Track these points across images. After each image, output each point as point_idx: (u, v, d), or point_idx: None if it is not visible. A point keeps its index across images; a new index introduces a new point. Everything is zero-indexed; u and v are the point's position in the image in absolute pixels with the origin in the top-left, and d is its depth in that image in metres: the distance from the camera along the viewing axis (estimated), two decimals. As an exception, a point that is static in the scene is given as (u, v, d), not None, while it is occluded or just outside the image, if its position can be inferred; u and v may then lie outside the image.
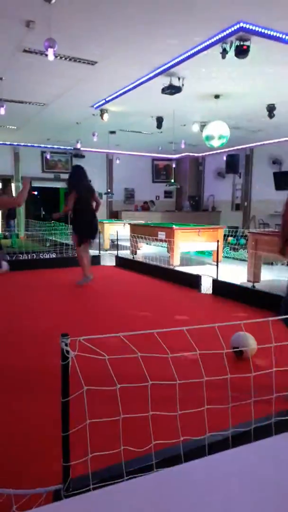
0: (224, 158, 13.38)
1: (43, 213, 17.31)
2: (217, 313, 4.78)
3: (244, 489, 1.24)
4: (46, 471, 1.82)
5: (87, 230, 5.90)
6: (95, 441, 1.62)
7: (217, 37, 4.94)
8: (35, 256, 7.99)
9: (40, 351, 3.37)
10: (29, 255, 7.90)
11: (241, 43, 4.97)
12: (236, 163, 13.17)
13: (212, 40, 5.02)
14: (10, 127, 10.46)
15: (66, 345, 1.48)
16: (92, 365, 1.65)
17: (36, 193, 16.08)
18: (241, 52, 5.01)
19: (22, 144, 13.24)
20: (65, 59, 5.67)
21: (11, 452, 2.02)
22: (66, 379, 1.50)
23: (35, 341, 3.65)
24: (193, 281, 5.92)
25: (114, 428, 1.66)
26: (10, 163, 13.50)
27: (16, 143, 13.17)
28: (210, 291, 5.64)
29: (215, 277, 5.75)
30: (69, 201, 5.81)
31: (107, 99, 7.82)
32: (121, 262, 7.92)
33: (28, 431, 2.21)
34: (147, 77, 6.44)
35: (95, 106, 8.33)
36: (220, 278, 5.72)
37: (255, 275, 6.01)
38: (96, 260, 8.15)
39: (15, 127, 10.53)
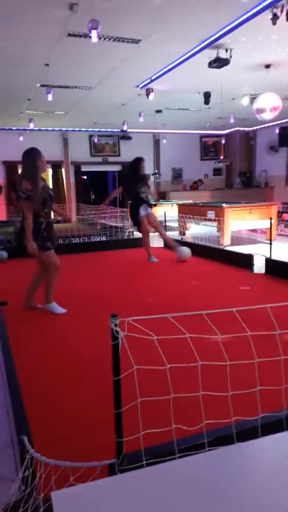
0: (277, 131, 12.76)
1: (93, 197, 17.60)
2: (270, 293, 4.65)
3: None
4: (100, 445, 1.89)
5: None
6: (147, 420, 1.65)
7: (267, 2, 4.65)
8: (86, 240, 8.18)
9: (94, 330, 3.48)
10: (81, 239, 8.10)
11: (293, 5, 4.64)
12: (289, 136, 12.51)
13: (261, 5, 4.73)
14: (58, 112, 10.64)
15: (115, 325, 1.50)
16: (139, 344, 1.67)
17: (85, 177, 16.36)
18: (293, 15, 4.69)
19: (70, 129, 13.44)
20: (109, 39, 5.62)
21: (68, 426, 2.12)
22: (117, 358, 1.53)
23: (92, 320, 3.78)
24: (245, 261, 5.77)
25: (165, 407, 1.68)
26: (60, 148, 13.79)
27: (64, 129, 13.39)
28: (263, 270, 5.48)
29: (269, 256, 5.56)
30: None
31: (152, 78, 7.69)
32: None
33: (84, 407, 2.31)
34: (193, 51, 6.23)
35: (140, 86, 8.23)
36: (274, 257, 5.53)
37: (311, 253, 5.74)
38: (145, 241, 8.19)
39: (63, 113, 10.70)
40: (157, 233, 7.05)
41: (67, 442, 1.99)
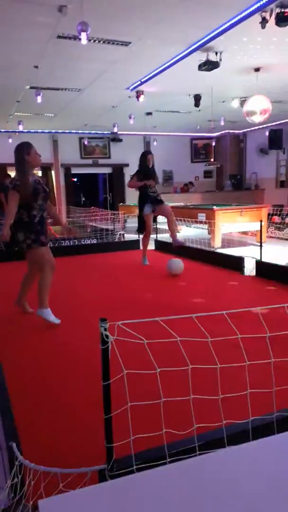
0: (267, 133, 12.87)
1: (83, 199, 17.54)
2: (260, 296, 4.66)
3: (289, 475, 1.20)
4: (90, 451, 1.87)
5: None
6: (137, 424, 1.63)
7: (256, 6, 4.68)
8: (76, 242, 8.15)
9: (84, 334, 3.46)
10: (71, 242, 8.05)
11: (282, 10, 4.67)
12: (279, 138, 12.63)
13: (250, 9, 4.76)
14: (48, 114, 10.59)
15: (105, 329, 1.49)
16: (129, 349, 1.66)
17: (75, 179, 16.30)
18: (282, 19, 4.72)
19: (60, 131, 13.38)
20: (99, 41, 5.61)
21: (58, 432, 2.10)
22: (107, 362, 1.51)
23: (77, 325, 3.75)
24: (236, 263, 5.79)
25: (155, 412, 1.67)
26: (50, 151, 13.71)
27: (54, 131, 13.32)
28: (253, 273, 5.50)
29: (259, 258, 5.59)
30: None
31: (142, 80, 7.69)
32: (161, 246, 7.89)
33: (73, 412, 2.28)
34: (183, 54, 6.25)
35: (130, 88, 8.23)
36: (264, 260, 5.56)
37: (300, 255, 5.79)
38: (136, 244, 8.19)
39: (53, 114, 10.65)
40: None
41: (56, 448, 1.97)
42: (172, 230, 6.52)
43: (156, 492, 1.20)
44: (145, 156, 6.32)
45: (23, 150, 3.67)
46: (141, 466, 1.50)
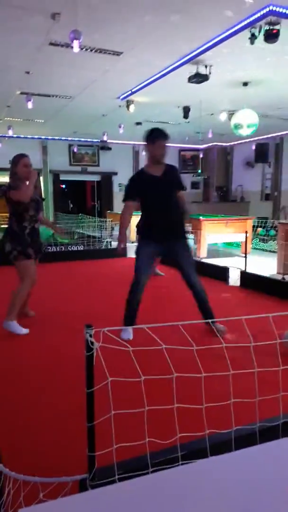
0: (253, 147, 13.08)
1: (71, 206, 17.49)
2: (245, 306, 4.70)
3: (272, 486, 1.20)
4: (72, 460, 1.84)
5: None
6: (120, 433, 1.62)
7: (246, 22, 4.79)
8: (63, 249, 8.10)
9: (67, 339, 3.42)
10: (58, 248, 8.00)
11: (271, 27, 4.79)
12: (265, 152, 12.85)
13: (240, 25, 4.87)
14: (38, 120, 10.58)
15: (90, 336, 1.48)
16: (115, 356, 1.65)
17: (64, 186, 16.26)
18: (271, 36, 4.84)
19: (50, 137, 13.37)
20: (91, 50, 5.65)
21: (39, 440, 2.06)
22: (91, 370, 1.50)
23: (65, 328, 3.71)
24: (221, 273, 5.83)
25: (139, 420, 1.65)
26: (39, 156, 13.68)
27: (43, 137, 13.31)
28: (238, 283, 5.54)
29: (244, 269, 5.64)
30: None
31: (133, 90, 7.77)
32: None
33: (55, 420, 2.25)
34: (173, 66, 6.34)
35: (121, 98, 8.30)
36: (248, 270, 5.61)
37: (285, 267, 5.87)
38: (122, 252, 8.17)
39: (43, 121, 10.64)
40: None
41: (37, 456, 1.93)
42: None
43: (138, 502, 1.18)
44: None
45: (13, 163, 3.64)
46: (123, 475, 1.48)
